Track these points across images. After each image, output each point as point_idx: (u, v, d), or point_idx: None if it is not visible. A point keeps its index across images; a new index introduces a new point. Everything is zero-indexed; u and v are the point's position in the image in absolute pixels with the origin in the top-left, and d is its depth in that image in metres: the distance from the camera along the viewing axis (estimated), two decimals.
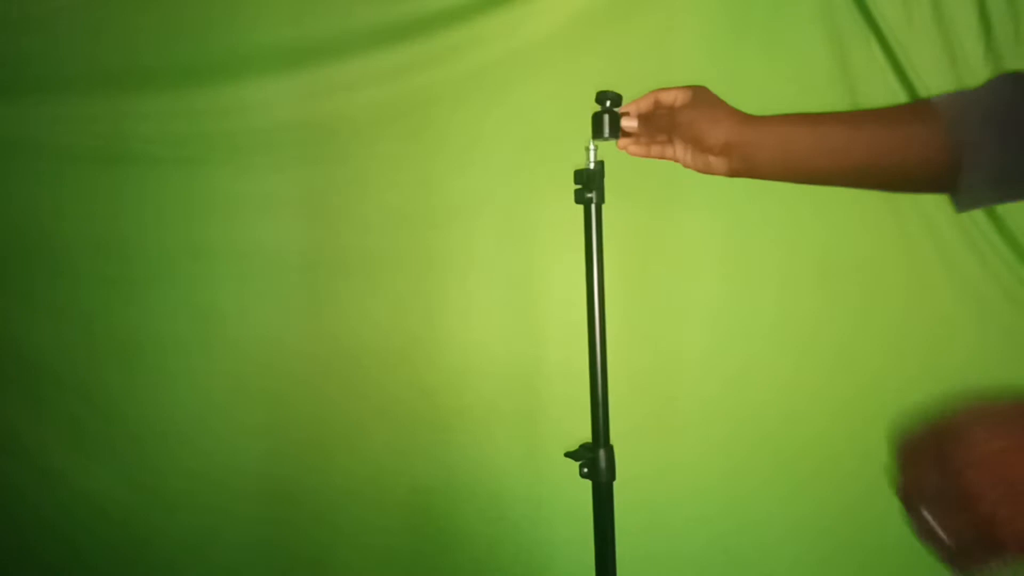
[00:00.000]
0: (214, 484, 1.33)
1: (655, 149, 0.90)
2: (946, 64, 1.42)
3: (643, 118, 0.91)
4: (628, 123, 0.91)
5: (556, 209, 1.35)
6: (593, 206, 0.95)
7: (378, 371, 1.36)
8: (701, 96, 0.87)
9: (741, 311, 1.44)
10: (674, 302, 1.43)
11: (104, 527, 1.32)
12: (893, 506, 1.59)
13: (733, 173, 0.84)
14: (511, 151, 1.35)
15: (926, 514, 0.48)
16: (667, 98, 0.90)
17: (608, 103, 0.91)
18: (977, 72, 1.41)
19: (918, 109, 0.69)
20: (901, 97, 1.43)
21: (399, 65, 1.31)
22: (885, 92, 1.43)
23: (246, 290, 1.32)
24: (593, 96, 0.94)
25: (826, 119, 0.75)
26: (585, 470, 0.95)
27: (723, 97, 1.40)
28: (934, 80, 1.41)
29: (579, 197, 0.95)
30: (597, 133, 0.92)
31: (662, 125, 0.88)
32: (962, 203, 0.67)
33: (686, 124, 0.85)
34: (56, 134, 1.26)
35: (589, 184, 0.94)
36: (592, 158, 0.94)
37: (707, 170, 0.86)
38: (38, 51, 1.25)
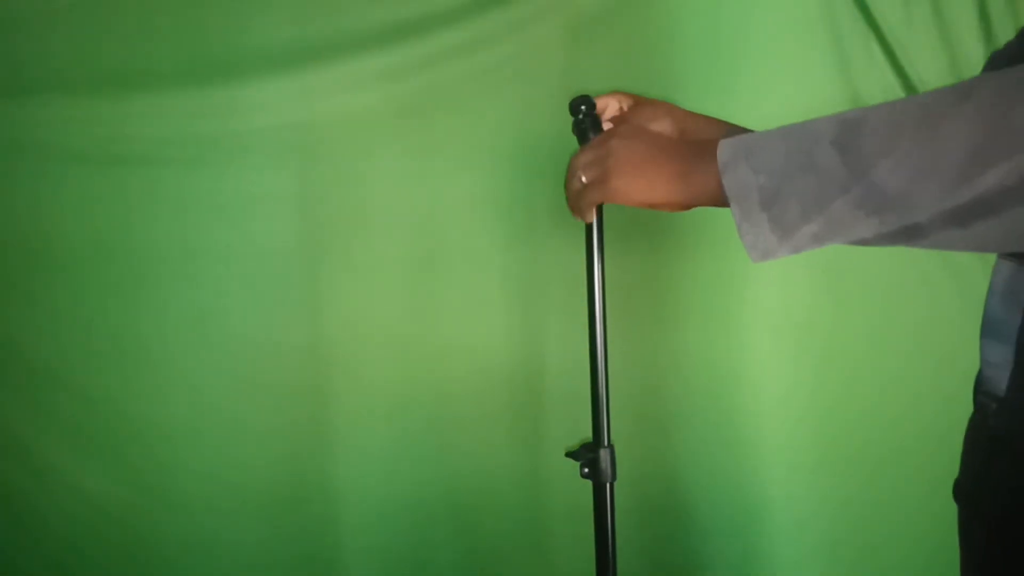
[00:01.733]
0: (215, 484, 1.33)
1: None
2: (946, 64, 1.42)
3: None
4: (607, 125, 0.91)
5: (557, 209, 1.35)
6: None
7: (379, 371, 1.35)
8: (640, 99, 0.92)
9: (744, 310, 1.44)
10: (676, 301, 1.43)
11: (104, 527, 1.32)
12: (897, 506, 1.60)
13: None
14: (512, 151, 1.35)
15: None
16: (602, 104, 0.92)
17: (584, 108, 0.92)
18: (976, 71, 1.41)
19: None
20: (900, 96, 1.43)
21: (399, 65, 1.30)
22: (885, 91, 1.44)
23: (246, 290, 1.32)
24: (594, 96, 0.94)
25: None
26: (586, 470, 0.95)
27: (724, 97, 1.41)
28: (934, 79, 1.41)
29: None
30: (583, 141, 0.92)
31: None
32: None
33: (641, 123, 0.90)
34: (55, 134, 1.25)
35: None
36: None
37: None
38: (37, 51, 1.25)
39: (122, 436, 1.31)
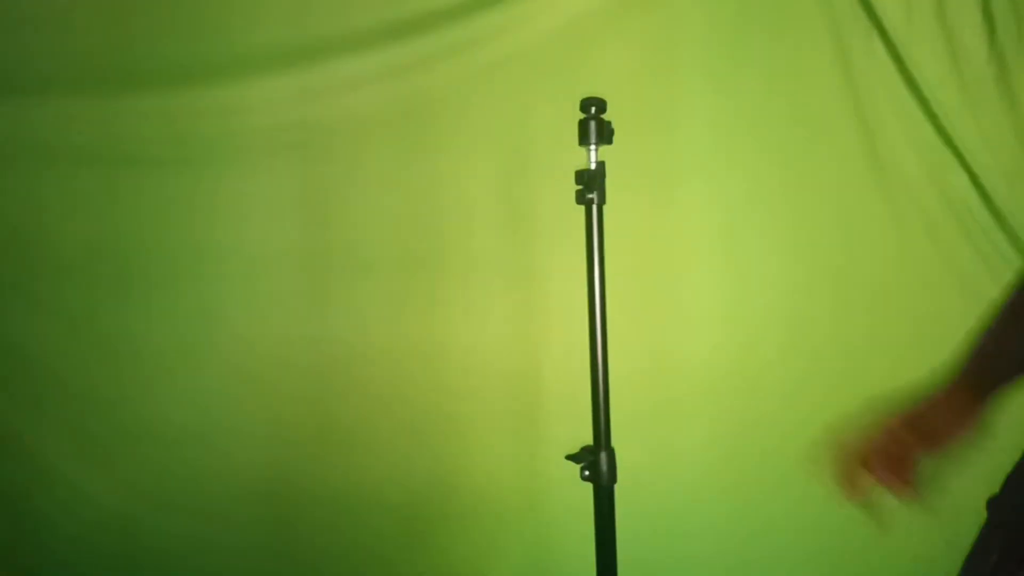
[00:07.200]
0: (213, 486, 1.33)
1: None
2: (947, 61, 1.42)
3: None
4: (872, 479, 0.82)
5: (557, 209, 1.34)
6: (594, 207, 0.95)
7: (379, 373, 1.35)
8: (913, 419, 0.83)
9: (742, 312, 1.44)
10: (675, 303, 1.43)
11: (104, 528, 1.32)
12: (895, 505, 1.57)
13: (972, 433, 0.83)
14: (512, 151, 1.35)
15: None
16: (881, 442, 0.83)
17: (593, 110, 0.92)
18: (979, 70, 1.41)
19: None
20: (902, 95, 1.43)
21: (399, 65, 1.30)
22: (887, 90, 1.43)
23: (246, 291, 1.32)
24: (594, 96, 0.94)
25: (1003, 344, 0.83)
26: (586, 473, 0.95)
27: (724, 97, 1.40)
28: (936, 77, 1.41)
29: (580, 198, 0.95)
30: (584, 140, 0.92)
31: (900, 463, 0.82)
32: None
33: (924, 441, 0.82)
34: (56, 135, 1.25)
35: (590, 185, 0.94)
36: (593, 159, 0.94)
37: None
38: (38, 52, 1.25)
39: (122, 438, 1.31)
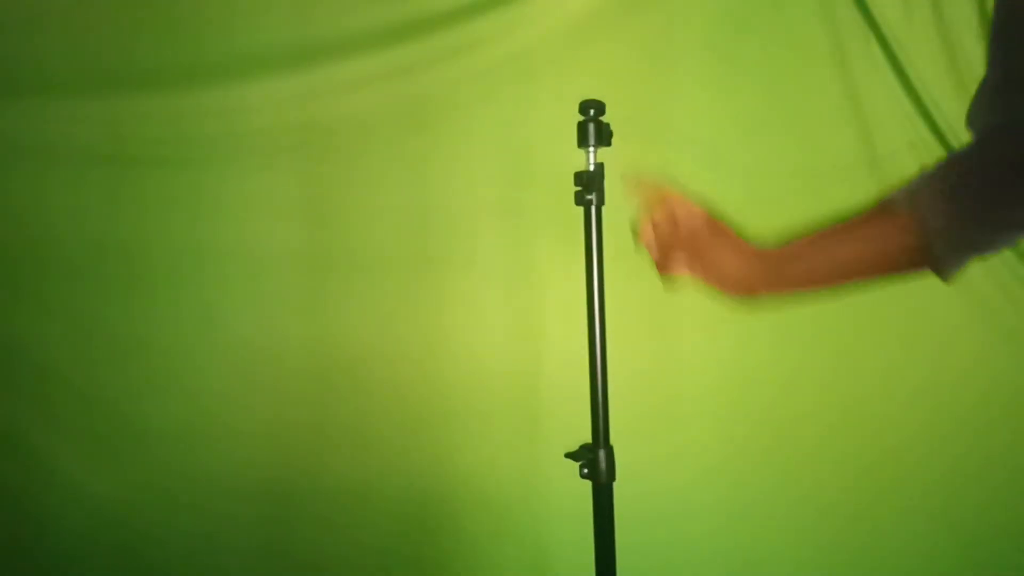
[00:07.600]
0: (215, 485, 1.33)
1: (663, 263, 0.88)
2: (945, 63, 1.42)
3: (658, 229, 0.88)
4: (646, 235, 0.88)
5: (556, 210, 1.35)
6: (593, 208, 0.95)
7: (378, 372, 1.36)
8: (716, 227, 0.87)
9: (741, 311, 1.44)
10: (674, 303, 1.43)
11: (105, 527, 1.32)
12: (894, 505, 1.59)
13: (734, 295, 0.87)
14: (512, 152, 1.36)
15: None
16: (682, 213, 0.87)
17: (592, 112, 0.92)
18: (977, 72, 1.41)
19: (885, 213, 0.74)
20: (900, 97, 1.43)
21: (400, 66, 1.31)
22: (885, 92, 1.44)
23: (248, 290, 1.32)
24: (593, 98, 0.94)
25: (812, 251, 0.82)
26: (585, 471, 0.96)
27: (723, 97, 1.41)
28: (934, 79, 1.41)
29: (579, 199, 0.95)
30: (583, 142, 0.92)
31: (675, 242, 0.86)
32: (945, 276, 0.73)
33: (703, 252, 0.86)
34: (59, 135, 1.26)
35: (589, 186, 0.94)
36: (592, 160, 0.94)
37: (709, 284, 0.87)
38: (42, 53, 1.25)
39: (125, 436, 1.31)
